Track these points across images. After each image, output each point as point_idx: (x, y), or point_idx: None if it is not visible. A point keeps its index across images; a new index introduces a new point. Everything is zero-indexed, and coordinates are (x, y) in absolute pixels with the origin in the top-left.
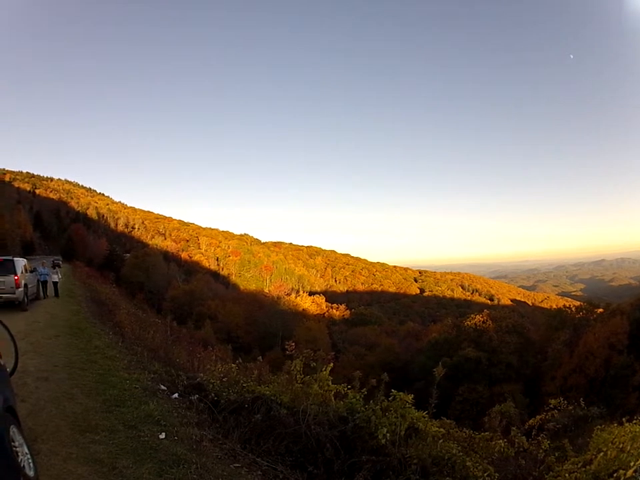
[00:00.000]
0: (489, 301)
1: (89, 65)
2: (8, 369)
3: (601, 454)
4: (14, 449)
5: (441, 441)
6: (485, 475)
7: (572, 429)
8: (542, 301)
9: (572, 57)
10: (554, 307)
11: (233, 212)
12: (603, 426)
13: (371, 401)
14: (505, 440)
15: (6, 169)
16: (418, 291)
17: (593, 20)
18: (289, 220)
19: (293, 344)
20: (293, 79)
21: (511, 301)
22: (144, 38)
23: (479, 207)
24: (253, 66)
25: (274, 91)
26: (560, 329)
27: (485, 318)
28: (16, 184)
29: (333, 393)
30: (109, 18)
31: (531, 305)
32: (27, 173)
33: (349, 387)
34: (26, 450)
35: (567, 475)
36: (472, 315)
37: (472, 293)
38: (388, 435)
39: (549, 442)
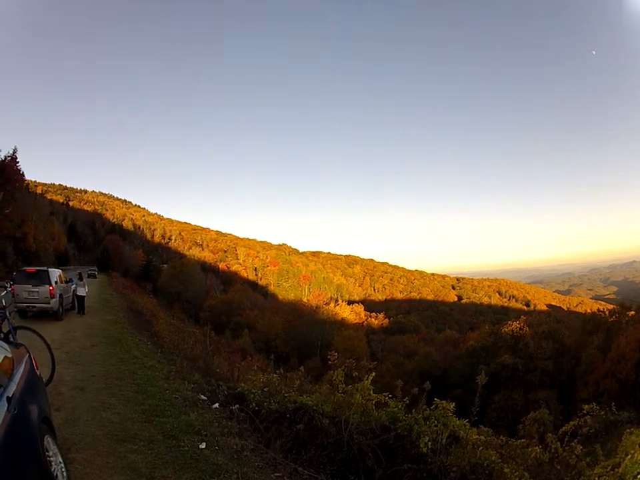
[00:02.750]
0: (525, 307)
1: (119, 81)
2: (44, 379)
3: (628, 457)
4: (47, 458)
5: (481, 448)
6: None
7: (603, 433)
8: (576, 305)
9: (594, 52)
10: (588, 311)
11: (271, 222)
12: (632, 429)
13: (413, 410)
14: (541, 446)
15: (38, 181)
16: (456, 298)
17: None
18: (327, 229)
19: (336, 354)
20: (322, 86)
21: (547, 306)
22: (180, 55)
23: (514, 211)
24: (288, 74)
25: (305, 100)
26: (594, 334)
27: (521, 324)
28: (49, 196)
29: (374, 402)
30: (142, 36)
31: (566, 309)
32: (60, 185)
33: (390, 396)
34: (60, 459)
35: (596, 478)
36: (509, 322)
37: (509, 299)
38: (429, 443)
39: (581, 447)
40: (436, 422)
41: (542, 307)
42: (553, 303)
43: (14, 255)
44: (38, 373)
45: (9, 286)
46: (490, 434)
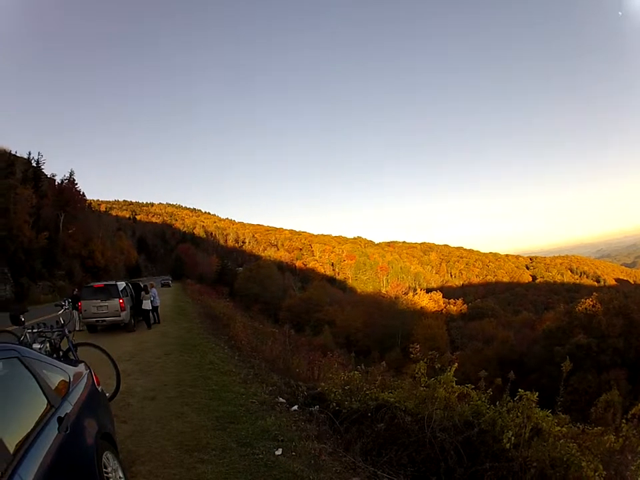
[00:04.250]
0: (595, 283)
1: (180, 93)
2: (108, 394)
3: None
4: (105, 475)
5: (562, 441)
6: (596, 474)
7: None
8: None
9: (620, 13)
10: None
11: (344, 216)
12: None
13: (497, 402)
14: (614, 434)
15: (101, 199)
16: (530, 279)
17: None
18: (400, 218)
19: (418, 346)
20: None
21: (615, 280)
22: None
23: (581, 184)
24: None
25: (382, 91)
26: None
27: (594, 301)
28: (114, 212)
29: (456, 394)
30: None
31: (632, 283)
32: (124, 201)
33: (473, 387)
34: (120, 474)
35: None
36: (582, 300)
37: (580, 276)
38: (512, 438)
39: None
40: (519, 414)
41: (611, 281)
42: (621, 277)
43: (82, 272)
44: (99, 389)
45: (66, 304)
46: (568, 421)
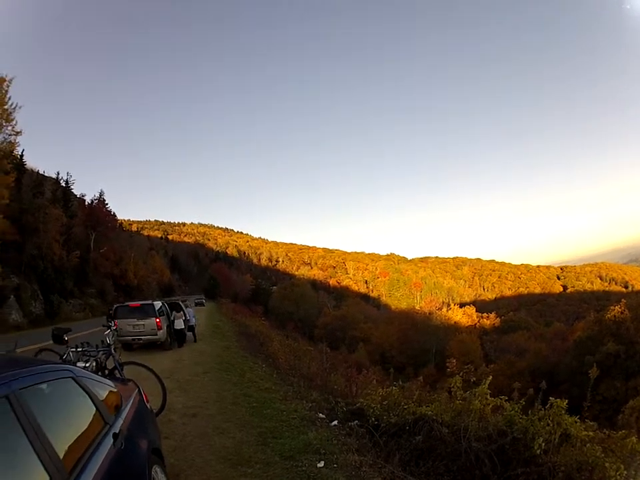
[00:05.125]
0: (624, 289)
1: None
2: (155, 409)
3: None
4: None
5: (588, 445)
6: (617, 474)
7: None
8: None
9: (628, 7)
10: None
11: (377, 233)
12: None
13: (530, 411)
14: (637, 436)
15: (132, 219)
16: (561, 289)
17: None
18: (433, 233)
19: (454, 361)
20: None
21: None
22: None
23: (606, 186)
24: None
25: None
26: None
27: (622, 308)
28: (145, 232)
29: (491, 406)
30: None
31: None
32: (156, 221)
33: (507, 398)
34: None
35: None
36: (611, 307)
37: (609, 283)
38: (543, 444)
39: None
40: (549, 421)
41: (639, 286)
42: None
43: (114, 291)
44: (148, 406)
45: (113, 324)
46: (595, 428)
